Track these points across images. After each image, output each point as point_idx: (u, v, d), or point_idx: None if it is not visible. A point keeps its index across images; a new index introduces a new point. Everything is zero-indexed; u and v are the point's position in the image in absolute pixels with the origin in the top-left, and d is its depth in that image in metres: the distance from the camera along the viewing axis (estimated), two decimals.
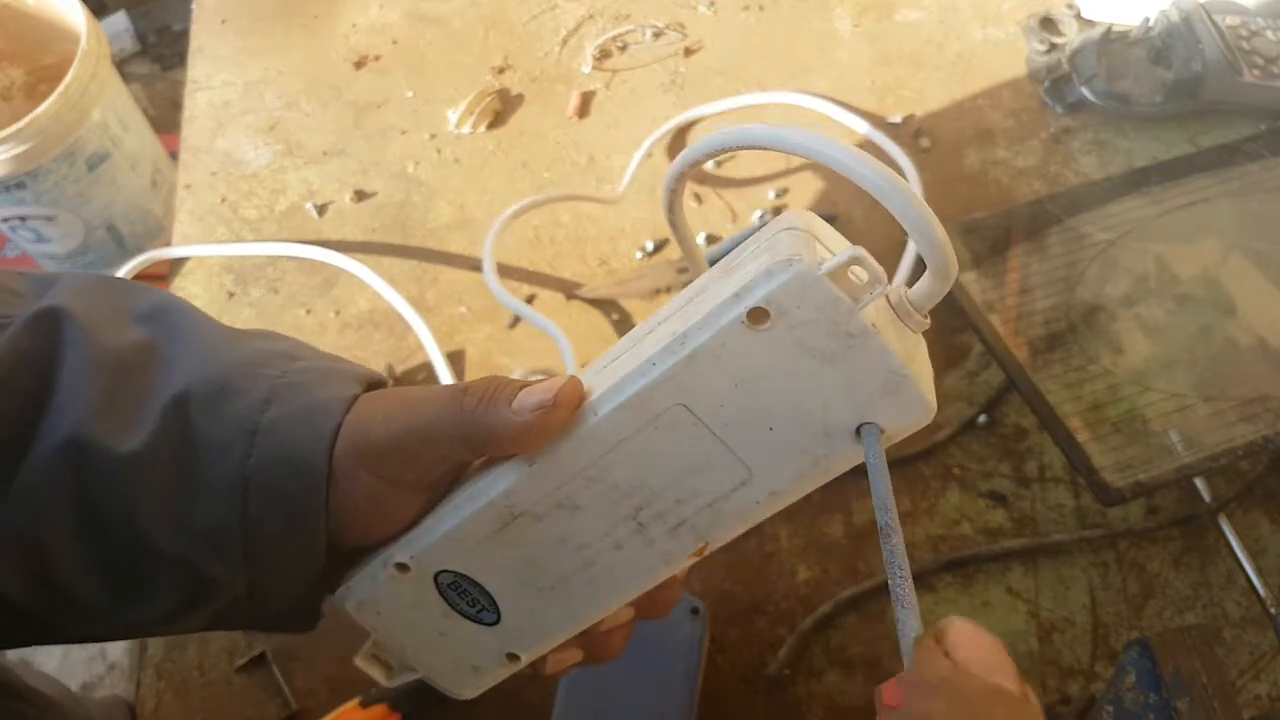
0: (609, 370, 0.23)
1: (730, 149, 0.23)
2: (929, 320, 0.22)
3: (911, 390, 0.21)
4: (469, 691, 0.28)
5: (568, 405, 0.22)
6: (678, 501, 0.23)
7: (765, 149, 0.22)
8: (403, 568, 0.25)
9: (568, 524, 0.24)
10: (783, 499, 0.23)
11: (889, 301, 0.21)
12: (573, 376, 0.23)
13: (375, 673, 0.28)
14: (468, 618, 0.26)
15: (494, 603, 0.25)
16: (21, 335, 0.24)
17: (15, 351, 0.24)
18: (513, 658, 0.27)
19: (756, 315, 0.20)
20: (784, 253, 0.20)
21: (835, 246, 0.22)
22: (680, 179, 0.25)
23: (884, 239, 0.52)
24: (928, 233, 0.19)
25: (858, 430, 0.21)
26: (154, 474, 0.24)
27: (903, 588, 0.19)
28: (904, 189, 0.19)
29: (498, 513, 0.24)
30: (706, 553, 0.24)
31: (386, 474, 0.24)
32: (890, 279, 0.23)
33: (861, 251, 0.19)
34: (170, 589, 0.25)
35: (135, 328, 0.25)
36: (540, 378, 0.24)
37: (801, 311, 0.20)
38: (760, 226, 0.23)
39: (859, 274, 0.20)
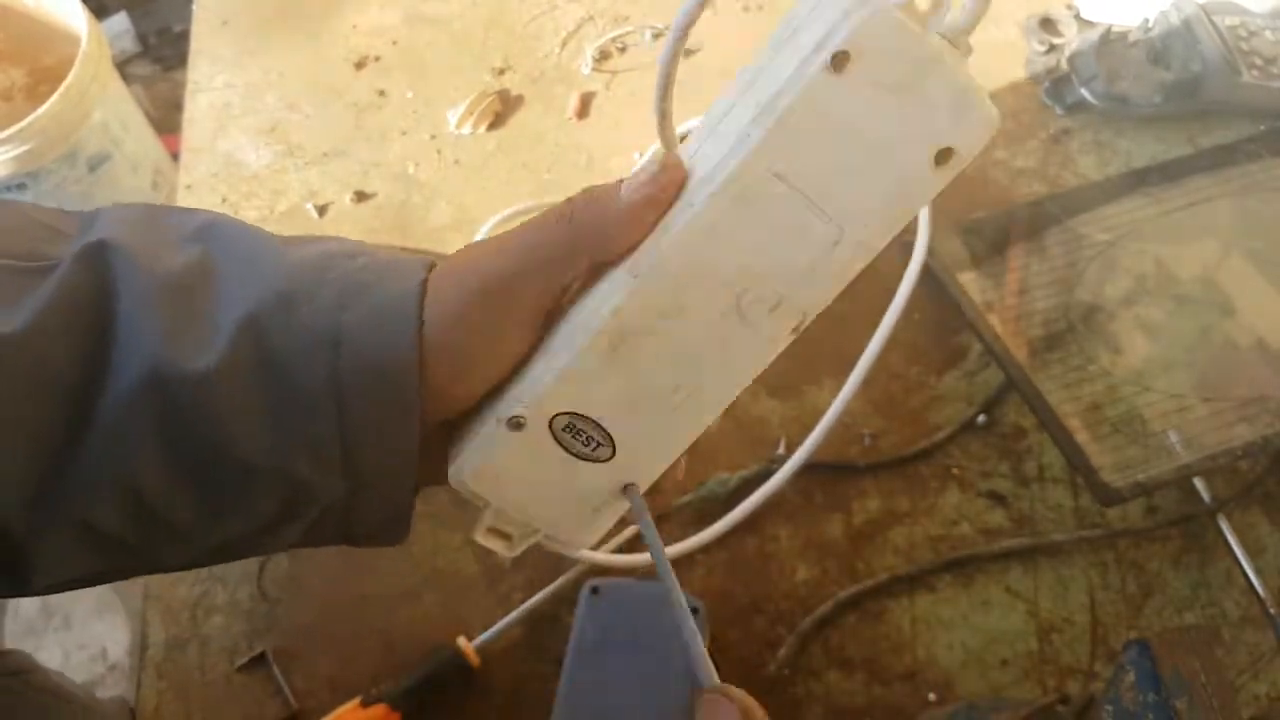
0: (695, 162, 0.23)
1: None
2: (973, 46, 0.23)
3: (977, 102, 0.22)
4: (590, 538, 0.27)
5: (673, 177, 0.22)
6: (776, 279, 0.23)
7: None
8: (516, 422, 0.24)
9: (676, 331, 0.24)
10: (870, 249, 0.23)
11: (942, 31, 0.22)
12: (670, 152, 0.23)
13: (496, 546, 0.27)
14: (584, 459, 0.25)
15: (608, 436, 0.25)
16: (72, 274, 0.24)
17: (69, 290, 0.24)
18: (630, 488, 0.26)
19: (839, 60, 0.21)
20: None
21: None
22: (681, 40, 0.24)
23: None
24: None
25: (935, 158, 0.22)
26: (236, 389, 0.24)
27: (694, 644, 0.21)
28: None
29: (608, 338, 0.23)
30: (803, 328, 0.24)
31: (492, 316, 0.24)
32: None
33: None
34: (266, 501, 0.25)
35: (185, 248, 0.25)
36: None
37: (879, 47, 0.20)
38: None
39: (921, 4, 0.21)
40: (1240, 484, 0.44)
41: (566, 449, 0.25)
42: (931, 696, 0.40)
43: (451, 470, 0.26)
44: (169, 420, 0.23)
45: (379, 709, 0.39)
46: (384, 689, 0.40)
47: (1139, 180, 0.52)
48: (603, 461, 0.25)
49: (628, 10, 0.64)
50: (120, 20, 1.40)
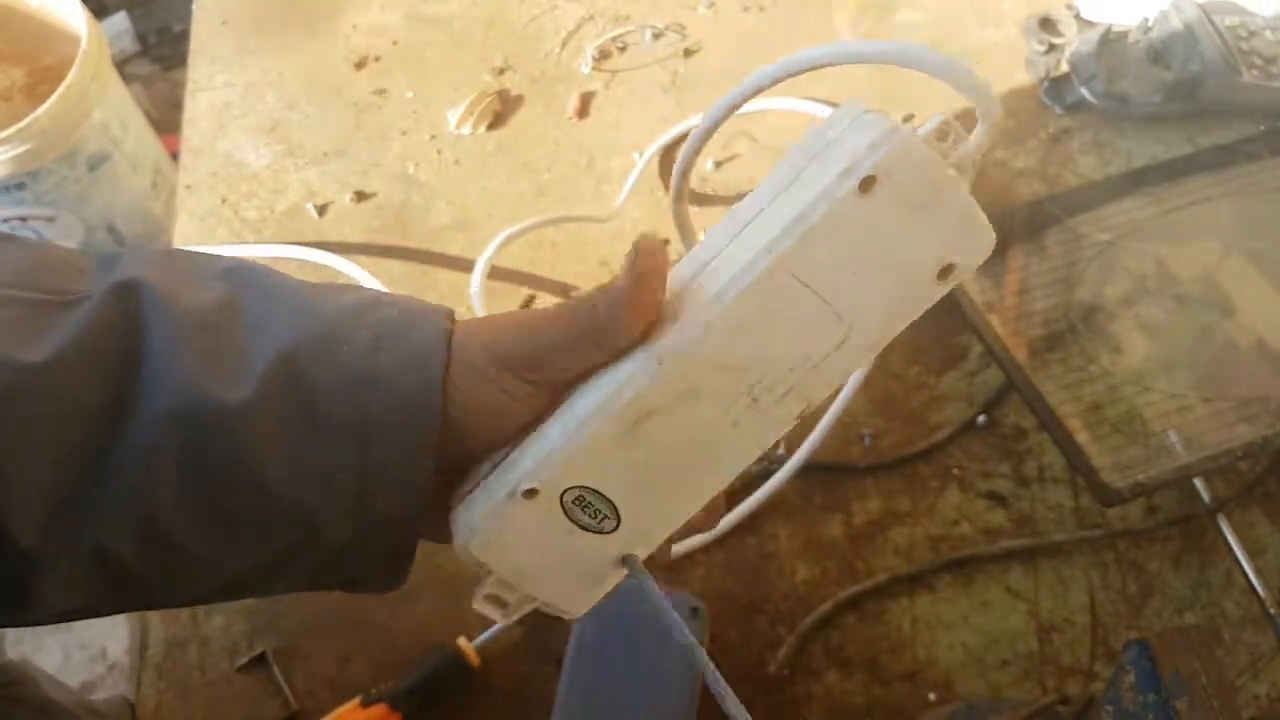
0: (722, 262, 0.25)
1: (766, 86, 0.26)
2: (979, 161, 0.26)
3: (980, 224, 0.24)
4: (586, 605, 0.28)
5: (655, 261, 0.24)
6: (789, 370, 0.25)
7: (795, 74, 0.26)
8: (531, 494, 0.25)
9: (692, 414, 0.25)
10: (871, 350, 0.26)
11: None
12: (643, 235, 0.25)
13: (493, 613, 0.28)
14: (589, 530, 0.26)
15: (614, 509, 0.26)
16: (104, 307, 0.25)
17: (101, 322, 0.24)
18: (628, 559, 0.27)
19: (867, 183, 0.23)
20: (880, 127, 0.23)
21: (900, 118, 0.25)
22: (703, 140, 0.28)
23: None
24: (974, 85, 0.24)
25: (939, 272, 0.24)
26: (267, 421, 0.24)
27: None
28: (942, 60, 0.24)
29: (629, 418, 0.24)
30: (808, 413, 0.26)
31: (508, 382, 0.25)
32: None
33: (948, 117, 0.23)
34: (276, 533, 0.26)
35: (212, 286, 0.26)
36: None
37: (904, 171, 0.23)
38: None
39: (943, 135, 0.24)
40: (1240, 484, 0.44)
41: (573, 520, 0.26)
42: (931, 697, 0.40)
43: (458, 541, 0.26)
44: (193, 451, 0.24)
45: (379, 709, 0.39)
46: (384, 689, 0.40)
47: (1139, 180, 0.52)
48: (606, 534, 0.26)
49: (628, 9, 0.64)
50: (120, 20, 1.40)
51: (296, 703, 0.41)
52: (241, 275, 0.27)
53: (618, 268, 0.62)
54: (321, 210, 0.57)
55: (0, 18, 1.00)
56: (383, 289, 0.52)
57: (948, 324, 0.50)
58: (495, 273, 0.53)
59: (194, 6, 0.67)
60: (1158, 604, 0.42)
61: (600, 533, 0.26)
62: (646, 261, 0.24)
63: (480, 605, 0.28)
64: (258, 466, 0.24)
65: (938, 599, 0.42)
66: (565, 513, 0.26)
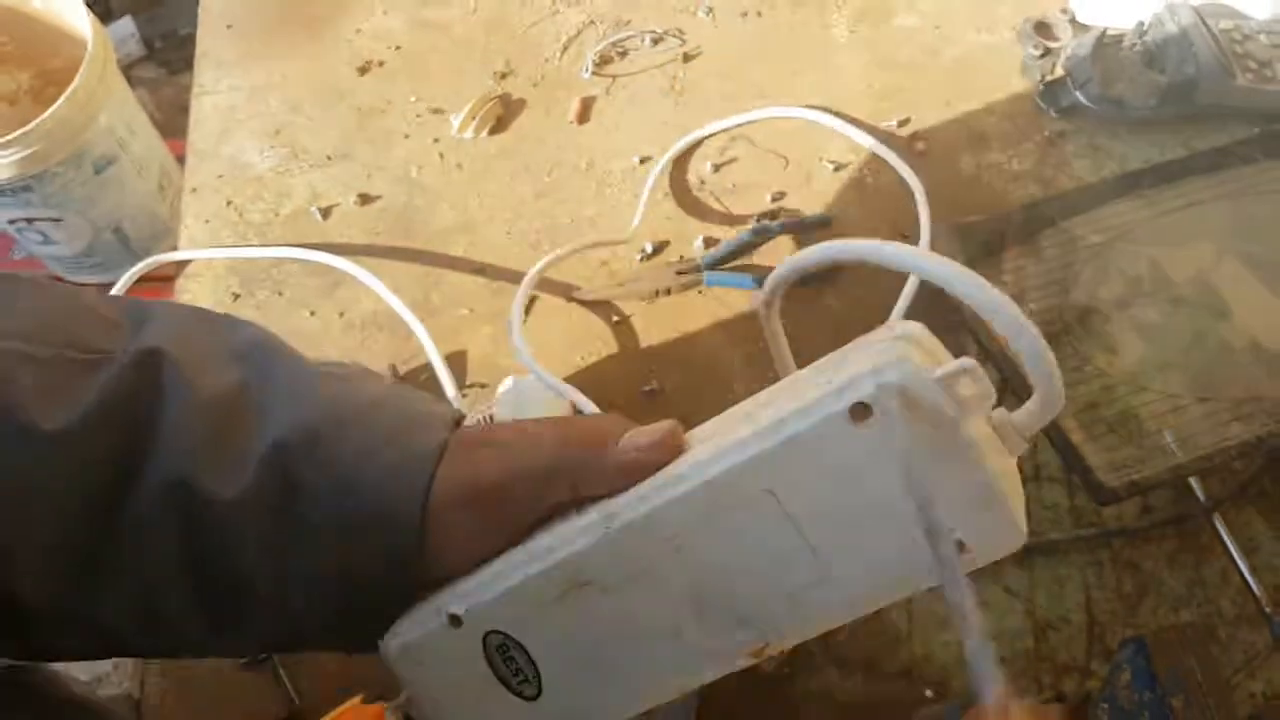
0: (704, 440, 0.23)
1: (831, 263, 0.23)
2: (1027, 444, 0.21)
3: (1003, 511, 0.20)
4: None
5: (674, 450, 0.23)
6: (747, 594, 0.22)
7: (876, 265, 0.21)
8: (455, 619, 0.24)
9: (631, 600, 0.23)
10: (855, 607, 0.22)
11: (989, 418, 0.21)
12: (675, 423, 0.24)
13: None
14: (508, 687, 0.25)
15: (538, 675, 0.24)
16: (125, 375, 0.25)
17: (121, 390, 0.25)
18: None
19: (859, 411, 0.20)
20: (892, 354, 0.20)
21: (943, 358, 0.21)
22: (780, 288, 0.25)
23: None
24: (1043, 362, 0.19)
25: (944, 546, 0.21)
26: (255, 519, 0.24)
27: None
28: (1021, 321, 0.19)
29: (566, 575, 0.23)
30: (764, 655, 0.23)
31: (484, 515, 0.25)
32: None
33: (973, 364, 0.19)
34: (265, 625, 0.26)
35: (230, 369, 0.26)
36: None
37: (905, 414, 0.19)
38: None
39: (967, 386, 0.19)
40: (1235, 483, 0.44)
41: (494, 669, 0.25)
42: (928, 693, 0.41)
43: (383, 640, 0.26)
44: (190, 535, 0.24)
45: (380, 706, 0.40)
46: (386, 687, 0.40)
47: (1134, 183, 0.53)
48: (526, 699, 0.25)
49: (628, 15, 0.65)
50: (125, 24, 1.41)
51: (299, 700, 0.41)
52: (257, 360, 0.27)
53: (618, 268, 0.62)
54: (326, 213, 0.57)
55: (6, 21, 1.01)
56: (388, 295, 0.52)
57: (943, 324, 0.50)
58: (497, 273, 0.54)
59: (199, 11, 0.68)
60: (1153, 602, 0.42)
61: (520, 696, 0.25)
62: (668, 449, 0.23)
63: (390, 717, 0.27)
64: (244, 565, 0.25)
65: (934, 596, 0.42)
66: (486, 656, 0.24)
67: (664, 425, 0.24)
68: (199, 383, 0.25)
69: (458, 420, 0.27)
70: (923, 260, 0.21)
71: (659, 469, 0.22)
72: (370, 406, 0.26)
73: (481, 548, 0.25)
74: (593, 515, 0.23)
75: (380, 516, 0.24)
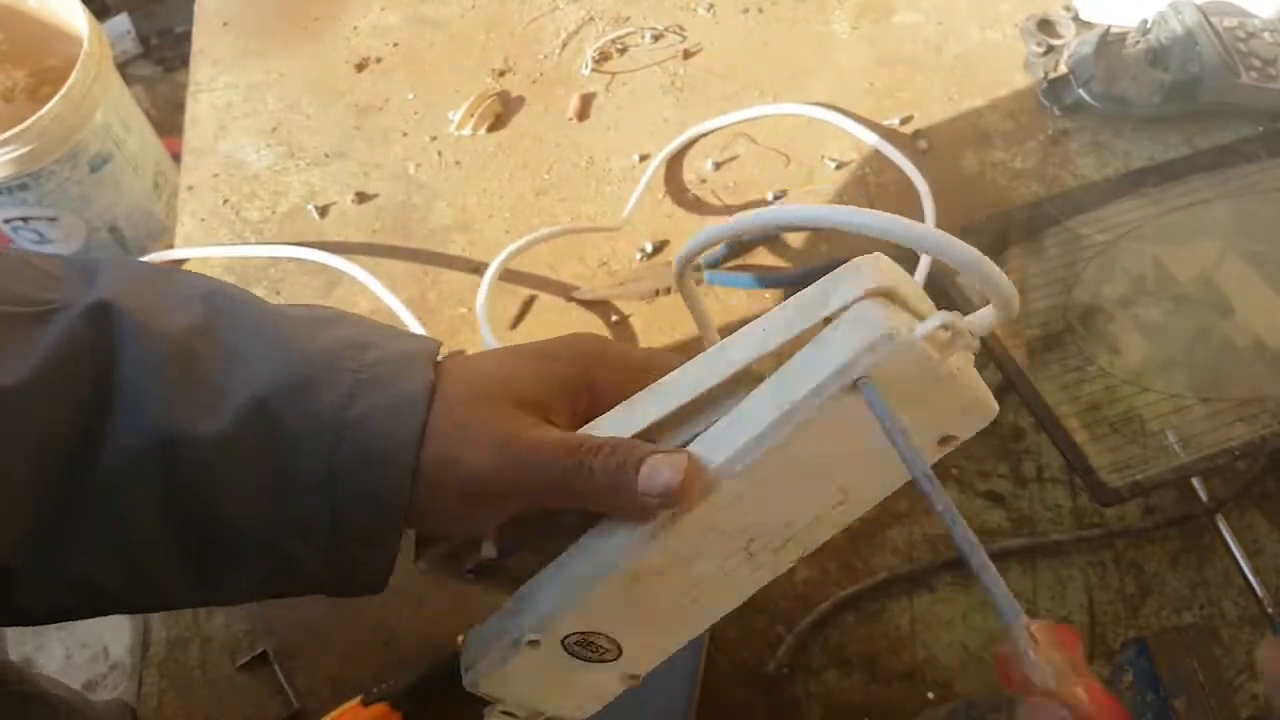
0: (714, 436, 0.24)
1: (758, 231, 0.25)
2: (979, 341, 0.24)
3: (981, 403, 0.24)
4: (589, 713, 0.30)
5: (693, 493, 0.24)
6: (784, 528, 0.26)
7: (803, 229, 0.24)
8: (534, 644, 0.26)
9: (687, 570, 0.26)
10: (870, 502, 0.26)
11: (952, 328, 0.23)
12: (694, 459, 0.24)
13: None
14: (592, 662, 0.27)
15: (616, 643, 0.27)
16: (76, 326, 0.24)
17: (73, 344, 0.24)
18: (633, 677, 0.29)
19: (860, 384, 0.22)
20: (878, 328, 0.22)
21: (919, 304, 0.24)
22: (690, 261, 0.28)
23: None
24: (988, 273, 0.22)
25: (937, 442, 0.24)
26: (239, 461, 0.24)
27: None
28: (954, 242, 0.22)
29: (623, 581, 0.25)
30: (806, 555, 0.27)
31: (476, 498, 0.25)
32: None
33: (951, 317, 0.22)
34: (253, 571, 0.26)
35: (189, 309, 0.26)
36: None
37: (898, 371, 0.22)
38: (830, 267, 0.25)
39: (945, 335, 0.22)
40: (1238, 484, 0.44)
41: (576, 657, 0.27)
42: (930, 695, 0.40)
43: (467, 679, 0.28)
44: (172, 485, 0.24)
45: (380, 708, 0.40)
46: (385, 688, 0.40)
47: (1137, 181, 0.53)
48: (609, 662, 0.27)
49: (627, 11, 0.64)
50: (121, 21, 1.40)
51: (298, 702, 0.41)
52: (220, 301, 0.26)
53: (618, 267, 0.62)
54: (323, 211, 0.57)
55: (2, 19, 1.00)
56: (385, 293, 0.52)
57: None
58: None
59: (195, 8, 0.67)
60: (1156, 603, 0.42)
61: (602, 662, 0.27)
62: (690, 489, 0.23)
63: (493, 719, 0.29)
64: (230, 508, 0.24)
65: (937, 598, 0.43)
66: (567, 652, 0.27)
67: (680, 461, 0.23)
68: (157, 327, 0.25)
69: (435, 354, 0.27)
70: (829, 212, 0.23)
71: (686, 500, 0.24)
72: (355, 348, 0.26)
73: (475, 490, 0.25)
74: (634, 526, 0.25)
75: (371, 458, 0.24)
